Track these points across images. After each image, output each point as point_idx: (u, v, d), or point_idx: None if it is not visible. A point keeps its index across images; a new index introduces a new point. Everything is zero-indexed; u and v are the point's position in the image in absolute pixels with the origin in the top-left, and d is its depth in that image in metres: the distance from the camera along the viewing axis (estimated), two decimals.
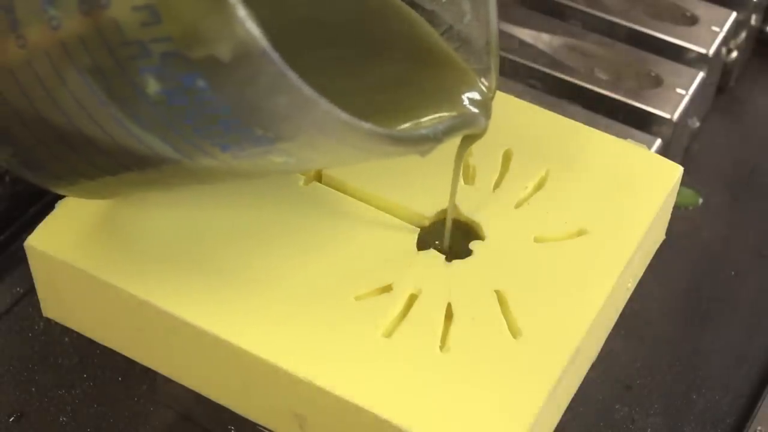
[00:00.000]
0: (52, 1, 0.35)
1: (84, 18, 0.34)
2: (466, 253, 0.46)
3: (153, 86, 0.34)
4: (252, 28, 0.31)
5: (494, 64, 0.44)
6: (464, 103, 0.44)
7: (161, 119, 0.35)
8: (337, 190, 0.48)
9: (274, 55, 0.32)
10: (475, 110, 0.44)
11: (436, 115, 0.42)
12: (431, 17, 0.46)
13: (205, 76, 0.33)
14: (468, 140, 0.45)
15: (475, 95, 0.44)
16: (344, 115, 0.34)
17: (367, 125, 0.35)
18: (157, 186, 0.42)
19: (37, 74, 0.36)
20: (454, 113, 0.43)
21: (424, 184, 0.48)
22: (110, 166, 0.39)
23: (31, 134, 0.39)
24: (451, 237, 0.47)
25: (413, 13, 0.46)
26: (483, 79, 0.45)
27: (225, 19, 0.31)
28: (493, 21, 0.44)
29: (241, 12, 0.31)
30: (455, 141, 0.45)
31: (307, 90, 0.33)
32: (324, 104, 0.33)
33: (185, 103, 0.34)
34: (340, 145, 0.36)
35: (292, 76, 0.32)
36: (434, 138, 0.41)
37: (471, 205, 0.47)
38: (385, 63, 0.45)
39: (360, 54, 0.46)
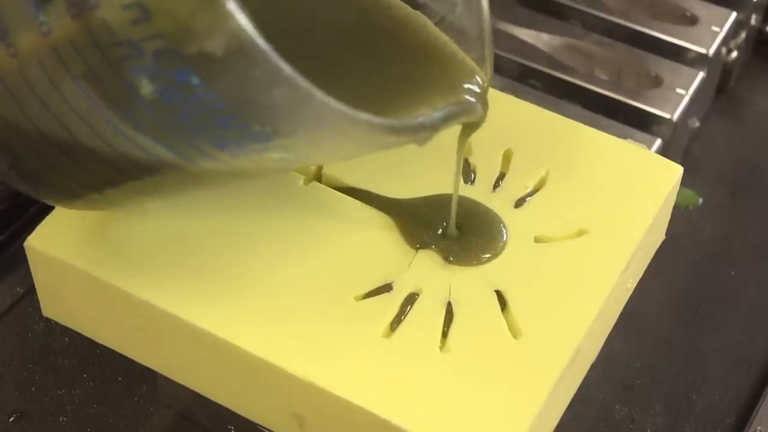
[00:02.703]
0: (42, 7, 0.34)
1: (74, 21, 0.34)
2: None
3: (147, 86, 0.34)
4: (243, 20, 0.31)
5: (488, 53, 0.44)
6: (461, 92, 0.44)
7: (157, 120, 0.35)
8: (337, 190, 0.48)
9: (267, 47, 0.32)
10: (472, 99, 0.44)
11: (435, 105, 0.42)
12: (423, 10, 0.46)
13: (199, 72, 0.33)
14: (467, 129, 0.45)
15: (472, 84, 0.44)
16: (340, 106, 0.34)
17: (363, 115, 0.35)
18: (158, 194, 0.42)
19: (29, 83, 0.36)
20: (451, 102, 0.43)
21: (425, 184, 0.48)
22: (109, 175, 0.39)
23: (27, 145, 0.39)
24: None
25: (407, 7, 0.46)
26: (479, 68, 0.45)
27: (216, 13, 0.31)
28: (485, 10, 0.44)
29: (231, 5, 0.31)
30: (454, 137, 0.45)
31: (302, 81, 0.33)
32: (320, 95, 0.33)
33: (180, 101, 0.34)
34: (338, 136, 0.36)
35: (287, 68, 0.32)
36: (431, 126, 0.40)
37: None
38: (383, 58, 0.45)
39: (357, 52, 0.45)
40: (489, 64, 0.45)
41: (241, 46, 0.32)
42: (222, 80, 0.33)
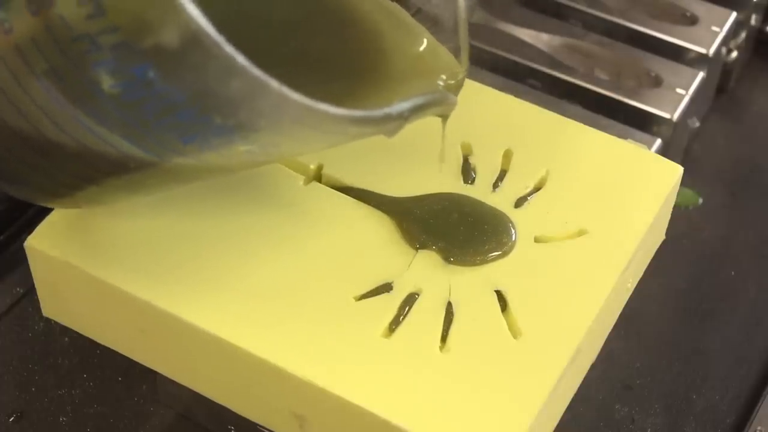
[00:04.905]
0: (2, 5, 0.34)
1: (33, 18, 0.34)
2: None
3: (107, 81, 0.34)
4: (194, 12, 0.31)
5: (464, 43, 0.44)
6: (434, 82, 0.43)
7: (122, 116, 0.35)
8: (337, 189, 0.48)
9: (219, 38, 0.32)
10: (444, 89, 0.43)
11: (409, 96, 0.42)
12: (400, 1, 0.46)
13: (156, 66, 0.33)
14: (443, 119, 0.45)
15: (447, 75, 0.44)
16: (297, 96, 0.34)
17: (322, 105, 0.34)
18: (139, 191, 0.41)
19: None
20: (423, 92, 0.43)
21: (424, 183, 0.48)
22: (86, 173, 0.39)
23: (1, 144, 0.39)
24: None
25: None
26: (454, 59, 0.45)
27: (167, 5, 0.31)
28: (460, 1, 0.44)
29: None
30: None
31: (257, 72, 0.32)
32: (275, 85, 0.33)
33: (141, 96, 0.34)
34: (300, 127, 0.36)
35: (240, 59, 0.32)
36: (398, 116, 0.40)
37: None
38: (358, 49, 0.45)
39: (331, 44, 0.45)
40: (465, 55, 0.44)
41: (193, 38, 0.32)
42: (179, 73, 0.33)
